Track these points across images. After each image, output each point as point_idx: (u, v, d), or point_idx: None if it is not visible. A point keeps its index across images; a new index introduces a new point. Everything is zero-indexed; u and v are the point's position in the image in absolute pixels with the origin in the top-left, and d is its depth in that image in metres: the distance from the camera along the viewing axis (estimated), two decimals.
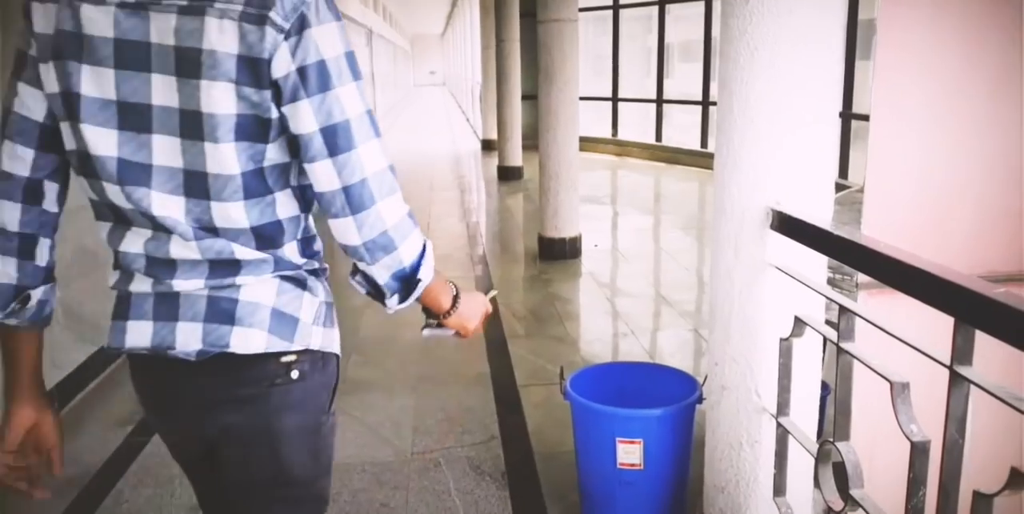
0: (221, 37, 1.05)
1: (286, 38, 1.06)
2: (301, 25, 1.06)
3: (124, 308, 1.25)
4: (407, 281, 1.22)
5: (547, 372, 3.62)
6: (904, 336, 1.24)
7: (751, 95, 1.76)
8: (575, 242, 5.90)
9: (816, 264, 1.77)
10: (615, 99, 12.79)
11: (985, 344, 1.10)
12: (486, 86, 12.72)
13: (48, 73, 1.11)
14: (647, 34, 12.38)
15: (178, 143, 1.10)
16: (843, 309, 1.46)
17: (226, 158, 1.10)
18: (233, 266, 1.17)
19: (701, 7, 10.94)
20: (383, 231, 1.15)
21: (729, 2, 1.78)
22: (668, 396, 2.34)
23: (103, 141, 1.12)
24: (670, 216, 8.09)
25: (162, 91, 1.08)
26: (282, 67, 1.06)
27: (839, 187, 4.58)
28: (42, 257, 1.27)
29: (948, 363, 1.13)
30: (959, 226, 1.92)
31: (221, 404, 1.22)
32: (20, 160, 1.18)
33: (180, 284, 1.18)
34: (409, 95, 39.37)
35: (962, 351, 1.12)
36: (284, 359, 1.21)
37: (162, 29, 1.06)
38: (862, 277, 1.89)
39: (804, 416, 1.76)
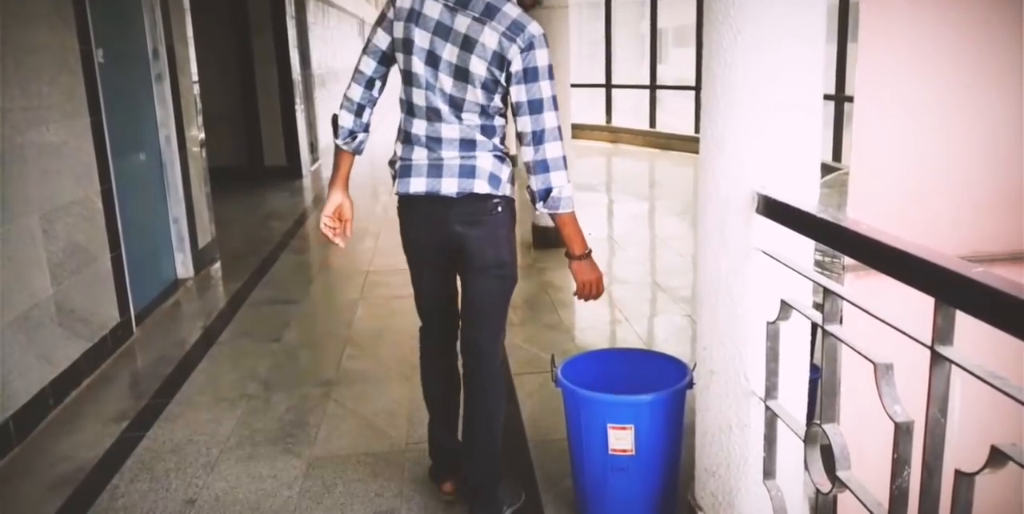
0: (490, 38, 2.06)
1: (521, 52, 2.06)
2: (530, 47, 2.07)
3: (407, 170, 2.24)
4: (548, 195, 2.15)
5: (541, 360, 3.62)
6: (889, 318, 1.23)
7: (734, 78, 1.75)
8: None
9: (803, 247, 1.77)
10: (608, 85, 12.74)
11: (972, 325, 1.10)
12: None
13: (398, 26, 2.15)
14: (640, 20, 12.32)
15: (451, 81, 2.12)
16: (828, 292, 1.45)
17: (474, 94, 2.13)
18: (472, 145, 2.19)
19: None
20: (543, 159, 2.12)
21: None
22: (659, 382, 2.34)
23: (418, 66, 2.14)
24: (664, 202, 8.08)
25: (448, 52, 2.10)
26: (517, 65, 2.07)
27: (831, 169, 4.58)
28: (366, 117, 2.34)
29: (930, 343, 1.13)
30: (944, 207, 1.92)
31: (465, 222, 2.21)
32: (367, 65, 2.27)
33: (446, 154, 2.19)
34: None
35: (943, 331, 1.12)
36: (494, 200, 2.21)
37: (460, 23, 2.08)
38: (848, 259, 1.89)
39: (792, 399, 1.76)
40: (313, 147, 10.46)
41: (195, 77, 5.48)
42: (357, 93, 2.30)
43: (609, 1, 12.49)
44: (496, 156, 2.20)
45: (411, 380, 3.50)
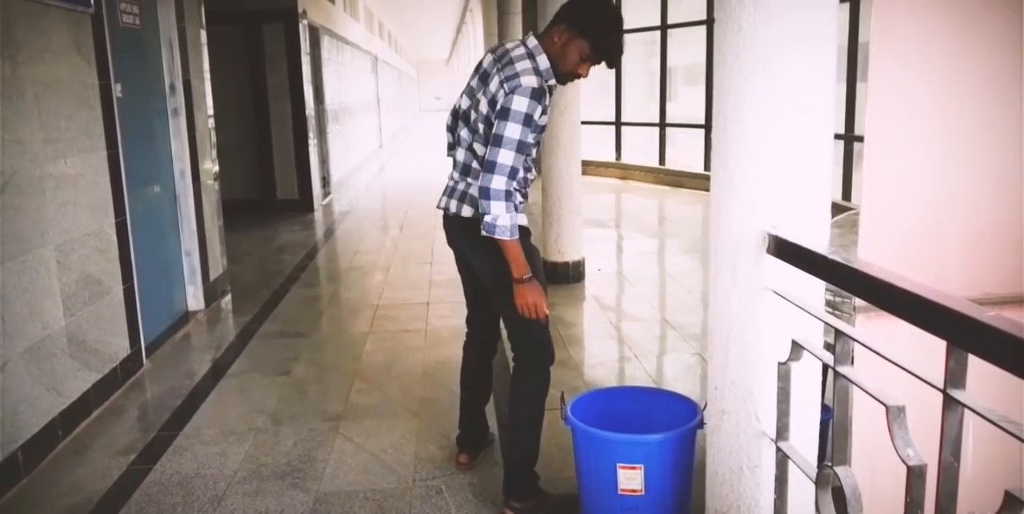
0: (494, 83, 2.44)
1: (505, 94, 2.37)
2: (513, 91, 2.36)
3: (446, 188, 2.68)
4: (485, 221, 2.37)
5: (551, 397, 3.60)
6: (901, 359, 1.23)
7: (745, 120, 1.77)
8: (578, 266, 5.91)
9: (814, 287, 1.77)
10: (619, 123, 12.85)
11: (983, 367, 1.10)
12: None
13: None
14: (651, 58, 12.45)
15: (471, 112, 2.57)
16: (839, 333, 1.46)
17: (476, 126, 2.51)
18: (470, 172, 2.57)
19: (703, 31, 11.02)
20: (486, 188, 2.35)
21: (722, 30, 1.79)
22: (669, 421, 2.33)
23: (464, 100, 2.62)
24: (674, 239, 8.10)
25: (476, 88, 2.55)
26: (498, 103, 2.39)
27: (842, 209, 4.59)
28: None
29: (942, 387, 1.13)
30: (955, 248, 1.92)
31: (468, 242, 2.59)
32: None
33: (457, 177, 2.63)
34: (415, 119, 39.58)
35: (955, 374, 1.12)
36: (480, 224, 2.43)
37: (489, 70, 2.51)
38: (859, 300, 1.89)
39: (804, 440, 1.75)
40: (325, 181, 10.55)
41: (210, 111, 5.56)
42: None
43: None
44: None
45: (419, 415, 3.49)
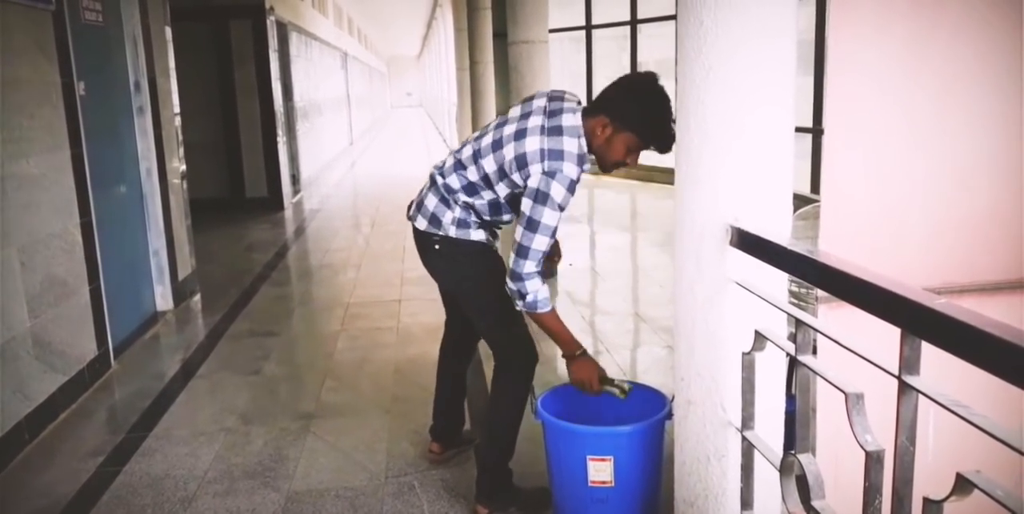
0: (534, 147, 2.34)
1: (543, 175, 2.29)
2: (551, 175, 2.29)
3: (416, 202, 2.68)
4: (528, 303, 2.38)
5: None
6: (861, 348, 1.25)
7: (707, 113, 1.79)
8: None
9: (777, 278, 1.79)
10: None
11: (942, 354, 1.12)
12: (461, 107, 12.80)
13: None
14: (621, 52, 12.49)
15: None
16: (800, 323, 1.48)
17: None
18: (451, 192, 2.53)
19: (672, 26, 11.05)
20: (518, 272, 2.33)
21: (684, 24, 1.81)
22: (639, 413, 2.35)
23: None
24: (645, 233, 8.14)
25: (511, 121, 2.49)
26: (532, 183, 2.32)
27: (809, 201, 4.63)
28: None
29: (897, 373, 1.15)
30: (915, 237, 1.95)
31: (427, 251, 2.61)
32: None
33: (428, 192, 2.61)
34: (386, 116, 39.41)
35: (910, 361, 1.15)
36: (434, 238, 2.54)
37: (537, 116, 2.41)
38: (821, 291, 1.92)
39: (769, 429, 1.77)
40: (295, 179, 10.48)
41: (177, 109, 5.50)
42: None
43: (590, 34, 12.67)
44: (441, 199, 2.55)
45: (390, 412, 3.49)
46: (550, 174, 2.28)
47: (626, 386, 2.41)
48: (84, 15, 4.20)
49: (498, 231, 2.70)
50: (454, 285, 2.66)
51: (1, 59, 3.26)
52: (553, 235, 2.34)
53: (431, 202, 2.57)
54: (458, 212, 2.53)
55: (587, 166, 2.38)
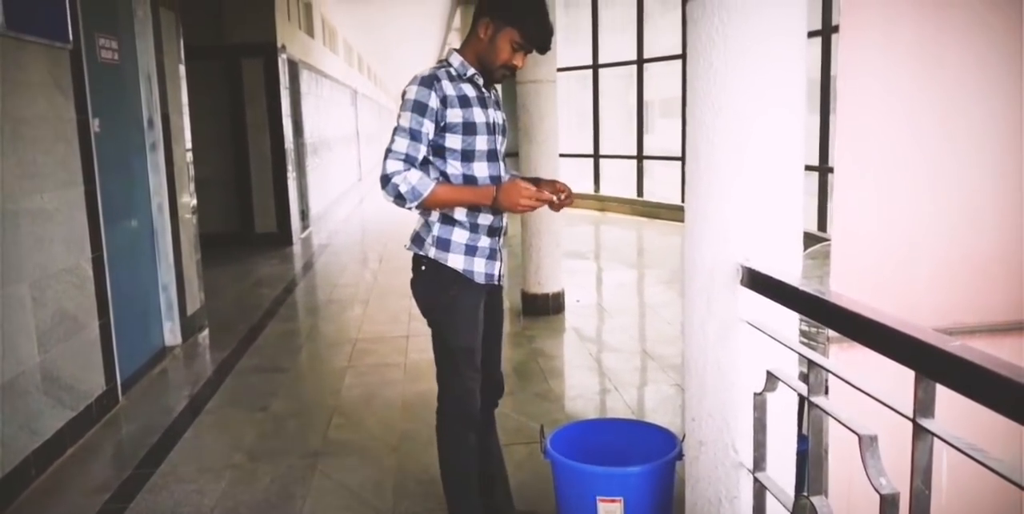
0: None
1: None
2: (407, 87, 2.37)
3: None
4: (400, 193, 2.30)
5: (530, 430, 3.60)
6: (873, 389, 1.25)
7: (716, 153, 1.80)
8: (558, 298, 5.92)
9: (788, 318, 1.79)
10: (596, 155, 12.96)
11: (955, 395, 1.12)
12: None
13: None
14: (628, 91, 12.61)
15: None
16: (812, 364, 1.47)
17: None
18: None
19: (679, 65, 11.18)
20: (383, 174, 2.31)
21: (694, 64, 1.83)
22: (649, 453, 2.33)
23: None
24: (652, 270, 8.14)
25: None
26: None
27: (817, 240, 4.63)
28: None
29: (911, 416, 1.15)
30: (925, 277, 1.95)
31: (414, 274, 2.51)
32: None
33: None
34: None
35: (924, 403, 1.14)
36: (422, 260, 2.45)
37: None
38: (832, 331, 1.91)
39: (781, 471, 1.76)
40: (304, 214, 10.54)
41: (188, 145, 5.56)
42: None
43: (597, 73, 12.80)
44: (424, 224, 2.48)
45: (398, 450, 3.47)
46: (408, 88, 2.37)
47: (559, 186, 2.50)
48: (101, 54, 4.28)
49: (498, 246, 2.52)
50: (424, 311, 2.51)
51: (19, 96, 3.31)
52: (413, 138, 2.31)
53: (417, 224, 2.51)
54: (436, 229, 2.42)
55: (470, 73, 2.41)
